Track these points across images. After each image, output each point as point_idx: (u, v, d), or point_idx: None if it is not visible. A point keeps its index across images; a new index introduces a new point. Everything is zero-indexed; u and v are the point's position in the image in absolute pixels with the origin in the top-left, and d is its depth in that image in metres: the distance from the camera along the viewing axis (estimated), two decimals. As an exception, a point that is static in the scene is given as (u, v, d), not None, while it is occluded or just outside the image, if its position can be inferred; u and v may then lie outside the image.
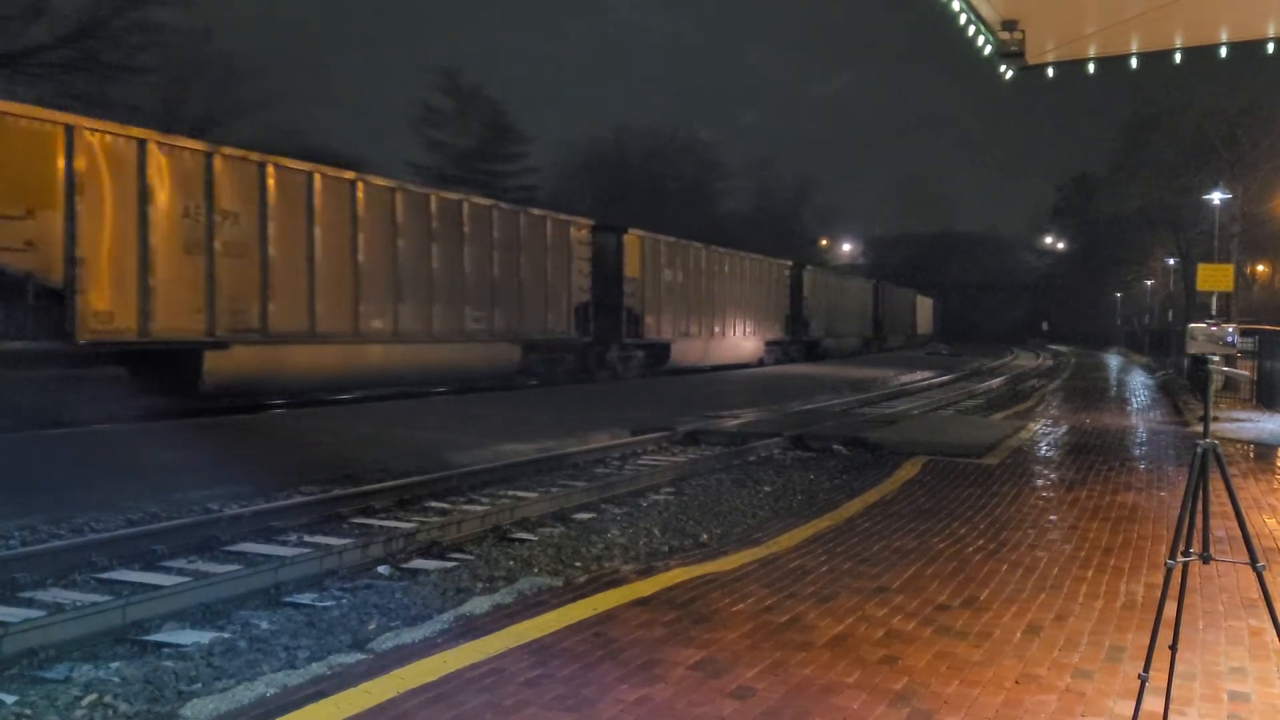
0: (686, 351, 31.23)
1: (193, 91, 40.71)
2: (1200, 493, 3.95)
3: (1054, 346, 75.10)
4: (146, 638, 5.72)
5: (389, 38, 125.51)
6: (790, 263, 41.57)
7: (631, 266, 27.83)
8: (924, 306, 77.55)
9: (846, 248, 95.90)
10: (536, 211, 24.85)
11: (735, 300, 35.35)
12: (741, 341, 35.99)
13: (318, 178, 17.87)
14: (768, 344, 38.49)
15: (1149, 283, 64.68)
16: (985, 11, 7.32)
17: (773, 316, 39.03)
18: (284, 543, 8.07)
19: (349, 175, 18.99)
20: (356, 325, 18.55)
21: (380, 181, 19.69)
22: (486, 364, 22.27)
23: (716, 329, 33.74)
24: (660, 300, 29.51)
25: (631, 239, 28.04)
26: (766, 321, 38.34)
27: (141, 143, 14.82)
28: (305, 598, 6.59)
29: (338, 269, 18.14)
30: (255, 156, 16.91)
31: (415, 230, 20.05)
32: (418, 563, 7.54)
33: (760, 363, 37.18)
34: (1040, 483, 10.40)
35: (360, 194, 18.76)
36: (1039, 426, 16.20)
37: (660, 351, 29.66)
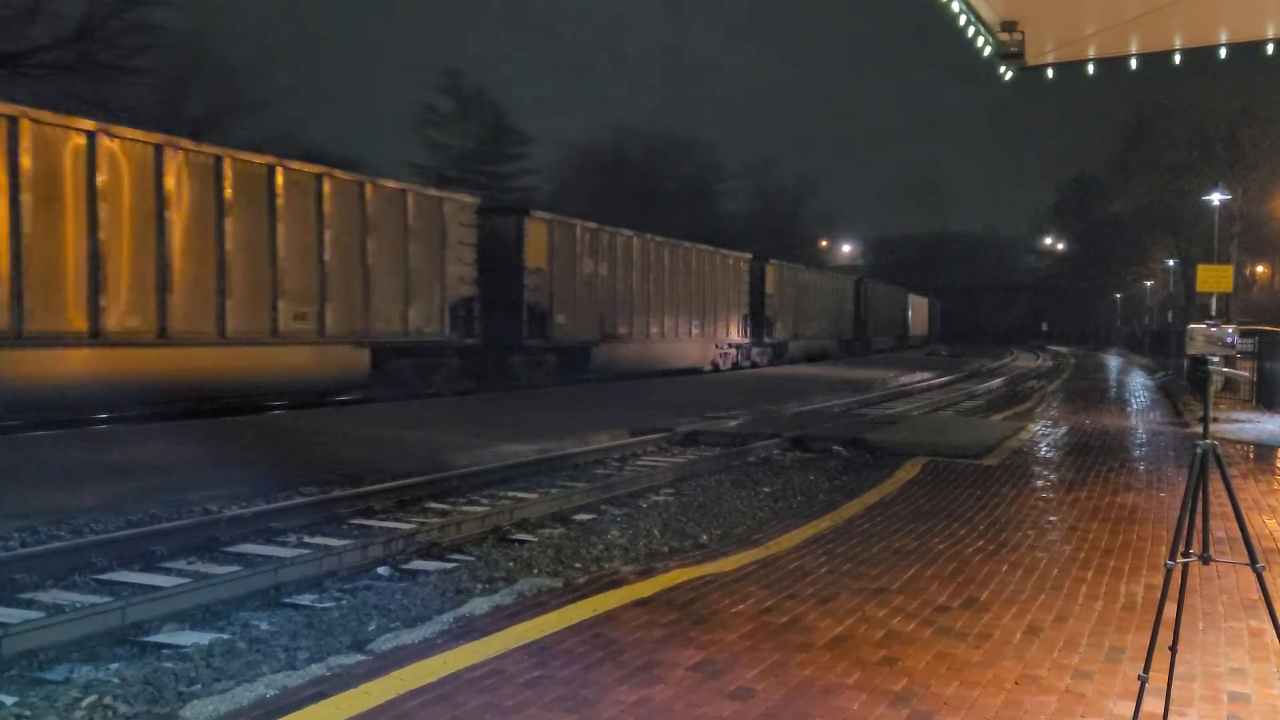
0: (614, 355, 27.29)
1: (190, 92, 40.74)
2: (1200, 493, 3.95)
3: (1054, 347, 75.12)
4: (146, 639, 5.72)
5: (389, 38, 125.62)
6: (749, 256, 37.45)
7: (535, 255, 23.70)
8: (918, 306, 74.66)
9: (846, 248, 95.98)
10: (391, 184, 19.84)
11: (679, 297, 31.13)
12: (686, 344, 31.94)
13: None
14: (721, 346, 34.68)
15: (1149, 283, 64.71)
16: (985, 13, 7.32)
17: (727, 316, 34.91)
18: (284, 544, 8.07)
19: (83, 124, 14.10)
20: (98, 323, 14.17)
21: (132, 134, 14.90)
22: (317, 371, 18.04)
23: (654, 330, 29.57)
24: (576, 296, 25.22)
25: (536, 223, 23.87)
26: (720, 321, 34.31)
27: None
28: (305, 599, 6.59)
29: (52, 250, 13.61)
30: None
31: (197, 201, 15.55)
32: (417, 564, 7.53)
33: (714, 368, 33.79)
34: (1040, 484, 10.40)
35: (102, 149, 14.15)
36: (1039, 427, 16.20)
37: (578, 355, 25.75)
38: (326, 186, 17.70)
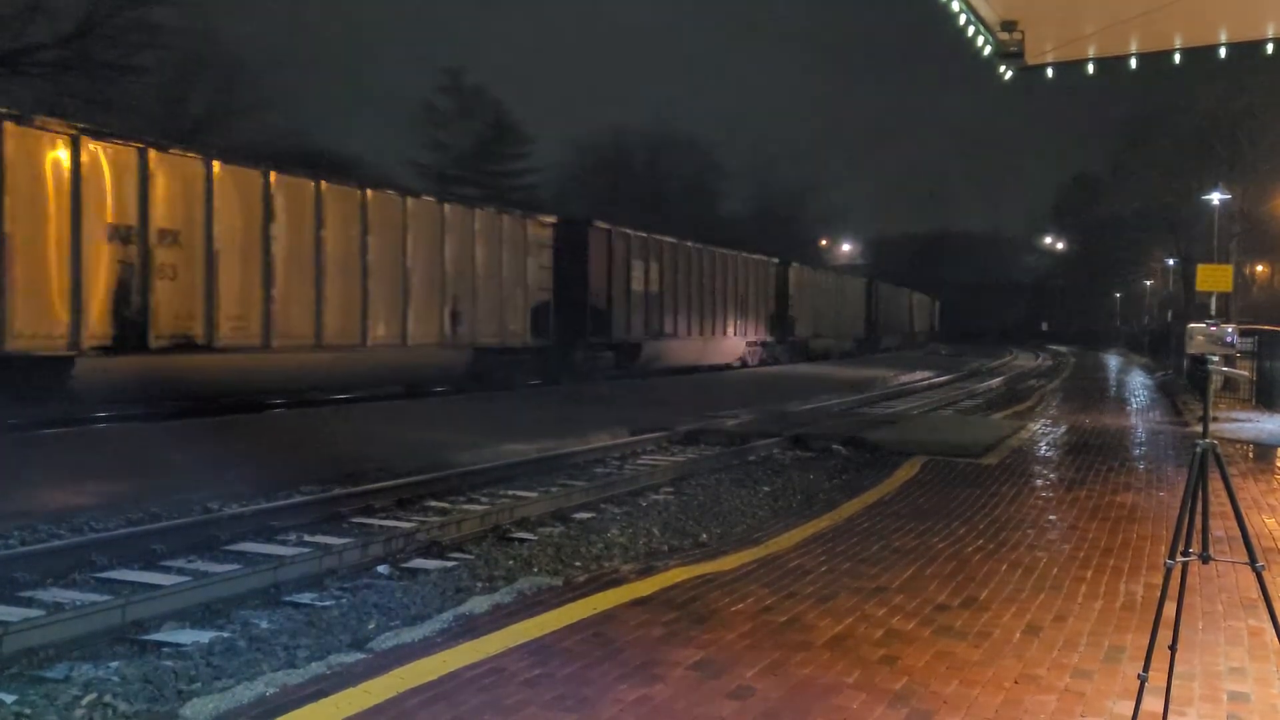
0: (661, 352, 29.57)
1: (192, 91, 40.69)
2: (1199, 493, 3.95)
3: (1053, 346, 75.07)
4: (146, 637, 5.72)
5: (390, 37, 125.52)
6: (775, 260, 39.48)
7: (596, 262, 25.92)
8: (921, 306, 75.23)
9: (846, 248, 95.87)
10: (490, 210, 22.97)
11: (714, 299, 33.20)
12: (721, 342, 34.01)
13: None
14: (750, 345, 36.47)
15: (1148, 283, 64.74)
16: (985, 12, 7.32)
17: (756, 316, 36.79)
18: (284, 542, 8.07)
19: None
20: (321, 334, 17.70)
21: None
22: (433, 367, 21.04)
23: (694, 329, 31.63)
24: (630, 298, 27.47)
25: (596, 232, 26.18)
26: (749, 321, 36.17)
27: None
28: (305, 597, 6.59)
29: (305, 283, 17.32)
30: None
31: (343, 227, 18.36)
32: (417, 562, 7.54)
33: (743, 364, 35.42)
34: (1040, 483, 10.40)
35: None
36: (1038, 426, 16.21)
37: (630, 351, 27.92)
38: (446, 211, 20.99)
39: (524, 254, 23.21)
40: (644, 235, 28.83)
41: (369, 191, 18.94)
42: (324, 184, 17.89)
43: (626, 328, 27.31)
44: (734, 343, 35.11)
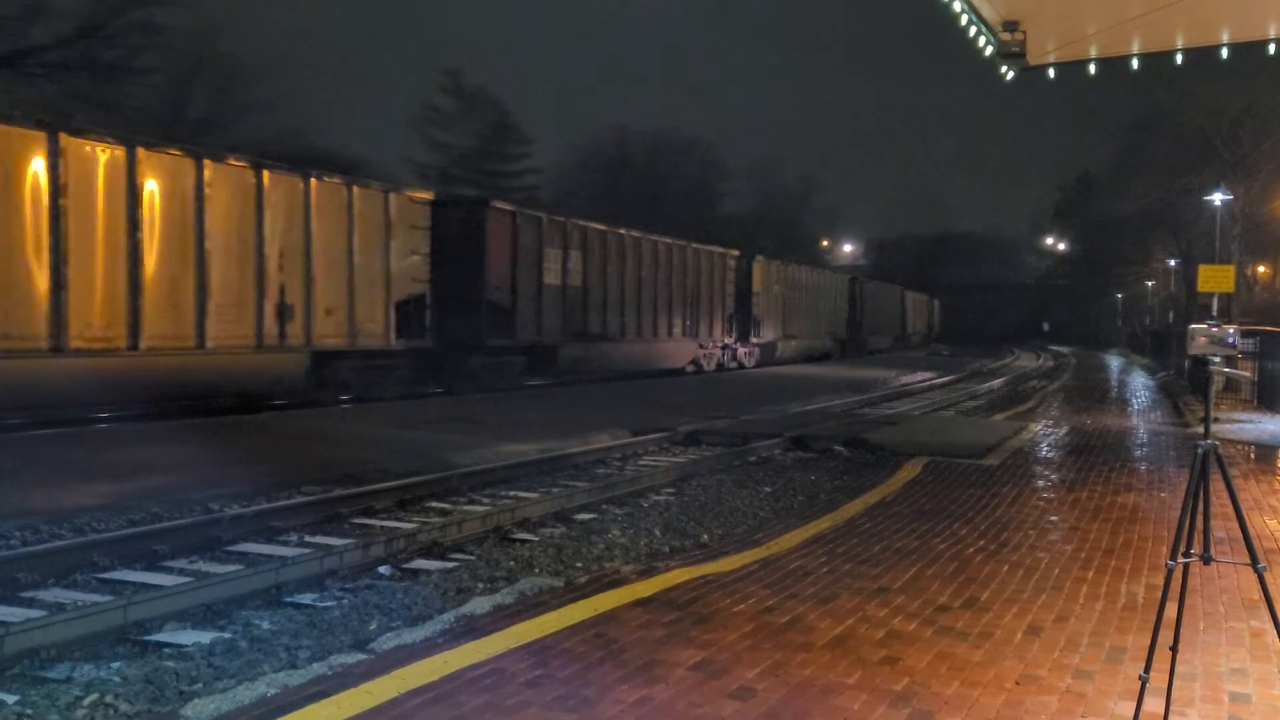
0: (585, 355, 25.54)
1: (195, 92, 40.75)
2: (1201, 494, 3.95)
3: (1055, 347, 75.03)
4: (148, 638, 5.72)
5: (392, 37, 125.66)
6: (735, 252, 35.27)
7: (497, 249, 21.90)
8: (917, 305, 72.40)
9: (848, 248, 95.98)
10: (339, 179, 18.31)
11: (657, 294, 28.92)
12: (665, 344, 29.62)
13: None
14: (706, 346, 32.46)
15: (1150, 283, 64.65)
16: (987, 12, 7.32)
17: (711, 314, 32.59)
18: (285, 543, 8.07)
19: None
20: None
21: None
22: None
23: (629, 328, 27.50)
24: (542, 293, 23.48)
25: (497, 214, 22.18)
26: (703, 320, 31.95)
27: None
28: (306, 598, 6.59)
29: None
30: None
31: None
32: (419, 563, 7.54)
33: (697, 369, 31.59)
34: (1041, 483, 10.40)
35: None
36: (1040, 427, 16.20)
37: (544, 356, 23.93)
38: (266, 180, 16.56)
39: (384, 236, 18.81)
40: (562, 219, 24.91)
41: (141, 150, 14.72)
42: (66, 138, 13.66)
43: (538, 328, 23.25)
44: (684, 345, 31.03)
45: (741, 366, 34.93)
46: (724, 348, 33.91)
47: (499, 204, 23.00)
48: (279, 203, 16.76)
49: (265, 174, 16.53)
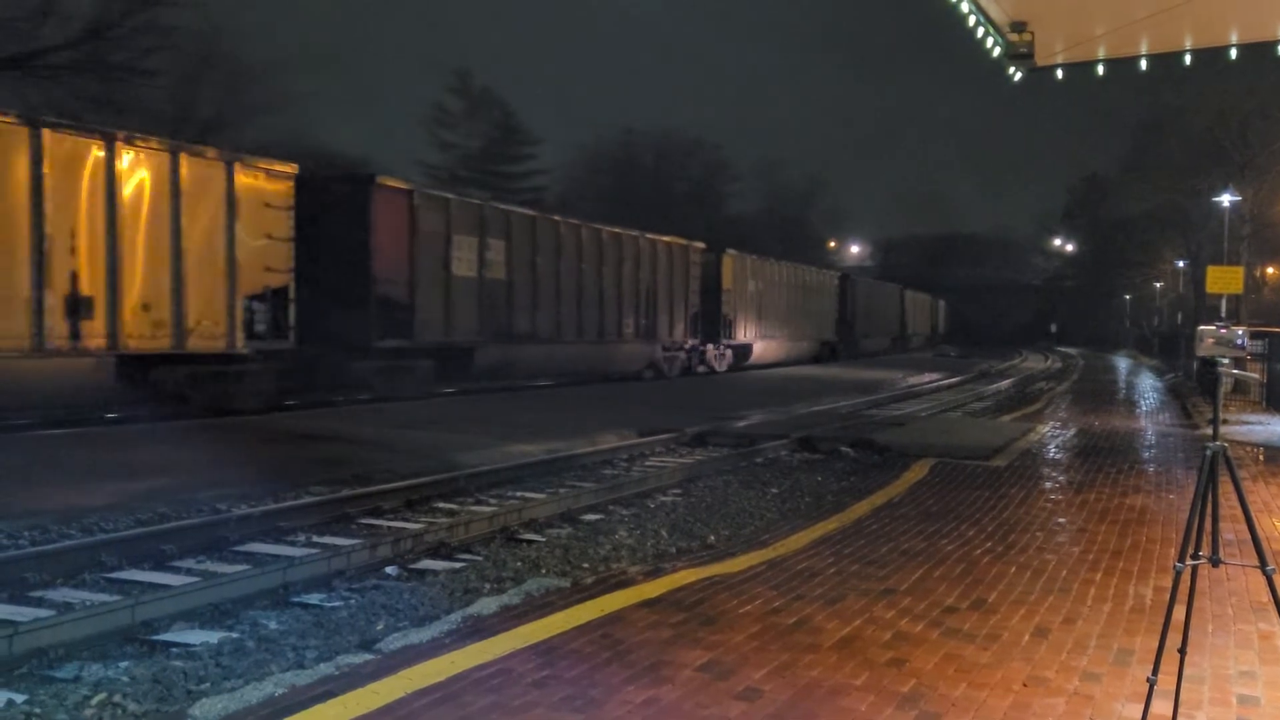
0: (509, 358, 22.48)
1: (203, 93, 40.84)
2: (1209, 496, 3.94)
3: (1062, 348, 74.88)
4: (155, 637, 5.74)
5: (398, 38, 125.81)
6: (701, 245, 32.02)
7: (391, 236, 18.83)
8: (918, 305, 69.01)
9: (855, 249, 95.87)
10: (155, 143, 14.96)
11: (605, 290, 25.96)
12: (615, 346, 26.72)
13: None
14: (669, 348, 29.65)
15: (1158, 285, 64.47)
16: (994, 13, 7.31)
17: (671, 313, 29.52)
18: (292, 543, 8.09)
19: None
20: None
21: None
22: None
23: (568, 328, 24.43)
24: (450, 286, 20.41)
25: (388, 196, 18.92)
26: (662, 319, 28.83)
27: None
28: (313, 598, 6.60)
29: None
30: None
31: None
32: (426, 563, 7.55)
33: (658, 374, 28.88)
34: (1049, 485, 10.37)
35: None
36: (1047, 429, 16.17)
37: (457, 358, 20.88)
38: (46, 140, 13.51)
39: (228, 215, 15.61)
40: (477, 202, 21.80)
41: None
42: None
43: (446, 327, 20.16)
44: (637, 348, 28.00)
45: (712, 371, 32.41)
46: (689, 350, 31.07)
47: (389, 181, 19.29)
48: (70, 169, 13.69)
49: (46, 133, 13.42)
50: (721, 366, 33.02)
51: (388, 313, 18.64)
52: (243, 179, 15.98)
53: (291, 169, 17.06)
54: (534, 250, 23.11)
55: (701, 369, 31.76)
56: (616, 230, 26.98)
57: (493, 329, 21.61)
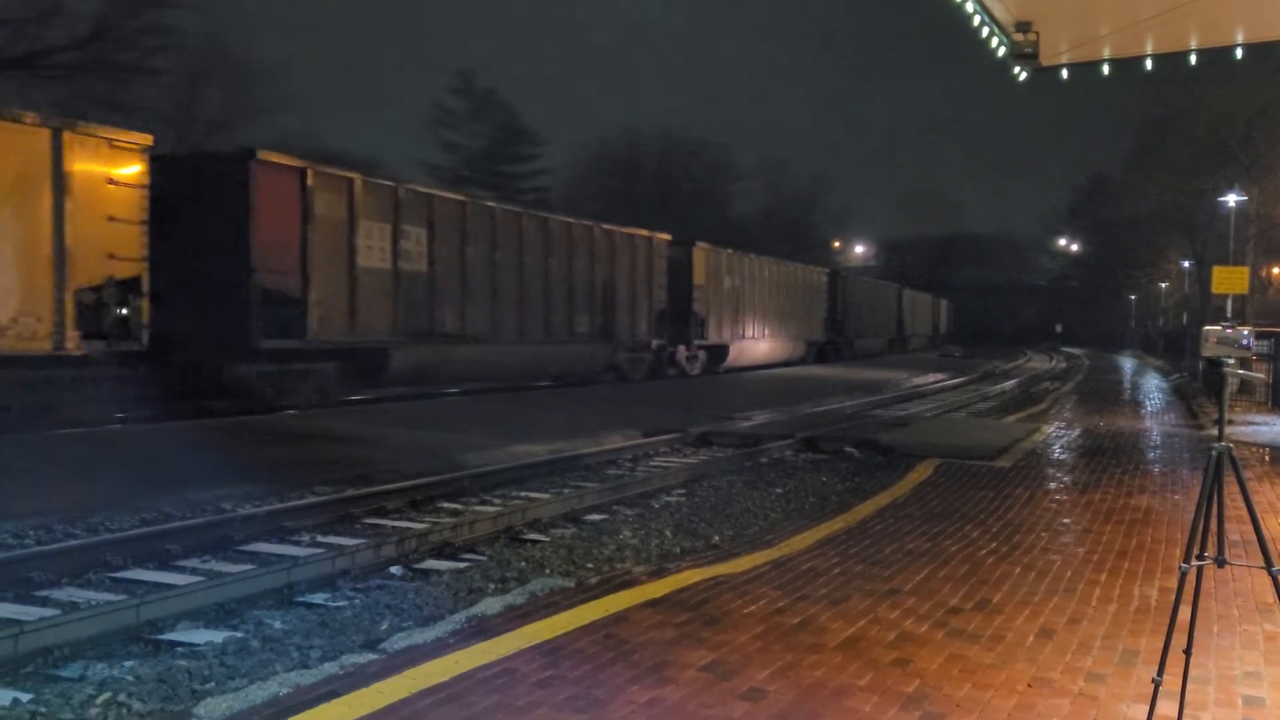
0: (434, 361, 19.83)
1: (207, 93, 40.92)
2: (1215, 496, 3.93)
3: (1067, 349, 74.77)
4: (160, 637, 5.75)
5: (402, 39, 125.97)
6: (667, 237, 29.23)
7: (275, 217, 16.25)
8: (918, 305, 66.99)
9: (859, 249, 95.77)
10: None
11: (552, 285, 23.37)
12: (565, 347, 24.16)
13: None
14: (633, 351, 27.01)
15: (1163, 285, 64.38)
16: (999, 13, 7.30)
17: (635, 312, 26.94)
18: (297, 543, 8.10)
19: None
20: None
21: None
22: None
23: (507, 326, 21.76)
24: (356, 278, 17.73)
25: (272, 172, 16.37)
26: (621, 317, 26.21)
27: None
28: (318, 598, 6.61)
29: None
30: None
31: None
32: (430, 563, 7.56)
33: (620, 376, 26.29)
34: (1053, 485, 10.36)
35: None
36: (1052, 429, 16.14)
37: (367, 362, 18.21)
38: None
39: (54, 191, 13.14)
40: (390, 184, 18.90)
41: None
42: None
43: (351, 325, 17.58)
44: (592, 349, 25.31)
45: (684, 374, 29.74)
46: (656, 351, 28.26)
47: (274, 156, 16.65)
48: None
49: None
50: (694, 369, 30.43)
51: (273, 308, 16.14)
52: (76, 150, 13.39)
53: (143, 139, 14.56)
54: (464, 240, 20.40)
55: (672, 372, 29.24)
56: (566, 219, 24.76)
57: (412, 328, 19.01)
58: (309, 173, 16.92)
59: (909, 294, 64.03)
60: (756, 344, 35.24)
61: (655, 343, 28.13)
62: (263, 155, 16.36)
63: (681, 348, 29.68)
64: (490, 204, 22.19)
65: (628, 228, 27.52)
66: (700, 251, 30.65)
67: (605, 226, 26.16)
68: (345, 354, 17.82)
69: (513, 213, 22.55)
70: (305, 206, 16.77)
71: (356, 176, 18.07)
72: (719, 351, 32.06)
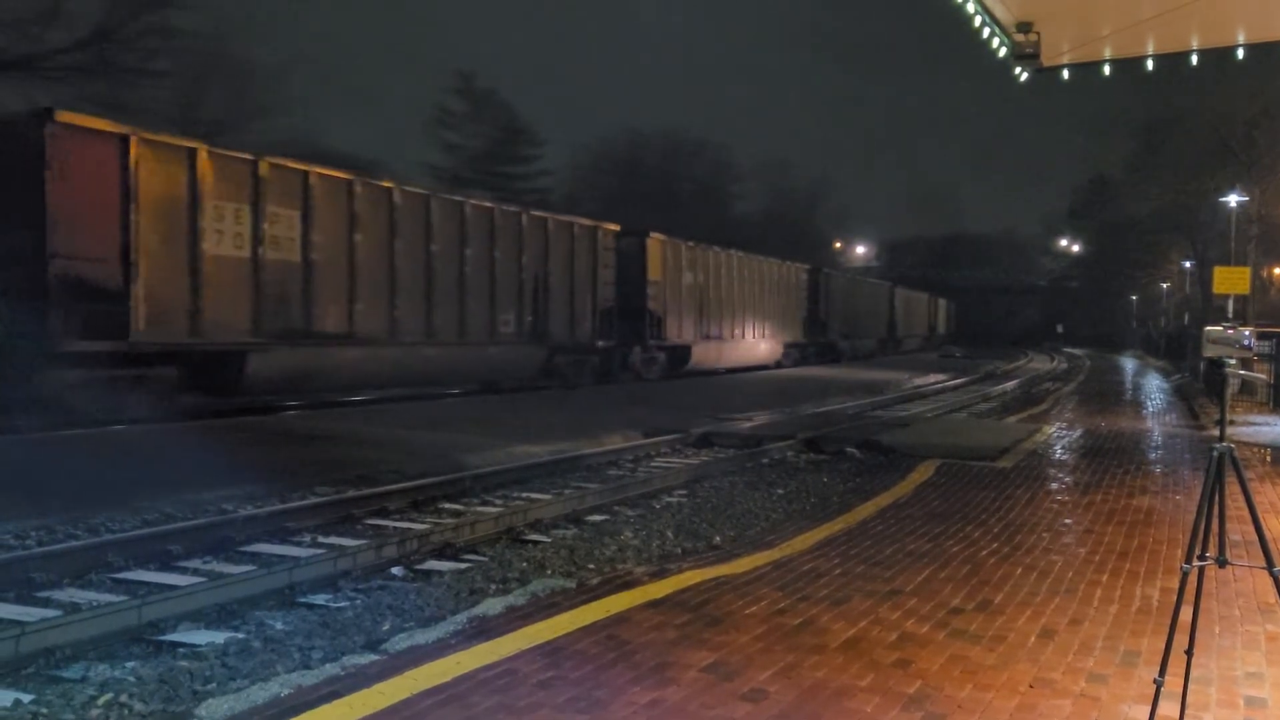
0: (320, 367, 17.43)
1: (208, 95, 40.93)
2: (1216, 496, 3.93)
3: (1069, 349, 74.77)
4: (162, 638, 5.75)
5: (404, 40, 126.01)
6: (615, 227, 26.45)
7: (79, 206, 13.63)
8: (912, 305, 64.93)
9: (861, 250, 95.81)
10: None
11: (470, 280, 20.61)
12: (484, 349, 21.22)
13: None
14: (573, 354, 24.32)
15: (1165, 285, 64.37)
16: (1000, 13, 7.30)
17: (576, 309, 24.23)
18: (298, 544, 8.10)
19: None
20: None
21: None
22: None
23: (408, 323, 19.02)
24: (199, 271, 15.13)
25: (76, 136, 13.73)
26: (555, 316, 23.41)
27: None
28: (319, 598, 6.61)
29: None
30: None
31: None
32: (431, 564, 7.56)
33: (565, 383, 23.63)
34: (1055, 486, 10.35)
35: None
36: (1054, 430, 16.14)
37: (217, 368, 15.65)
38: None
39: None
40: (247, 158, 16.13)
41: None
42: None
43: (193, 323, 15.06)
44: (519, 352, 22.51)
45: (639, 378, 26.91)
46: (601, 353, 25.56)
47: (82, 120, 14.07)
48: None
49: None
50: (651, 374, 27.61)
51: (82, 303, 13.53)
52: None
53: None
54: (353, 225, 17.78)
55: (626, 376, 26.48)
56: (486, 204, 21.67)
57: (279, 327, 16.35)
58: (133, 141, 14.25)
59: (902, 293, 61.64)
60: (725, 345, 32.64)
61: (601, 344, 25.35)
62: (64, 117, 13.63)
63: (637, 349, 27.14)
64: (386, 184, 18.94)
65: (565, 215, 24.93)
66: (655, 243, 27.86)
67: (536, 213, 23.28)
68: (187, 358, 15.16)
69: (416, 195, 19.57)
70: (128, 181, 14.14)
71: (201, 147, 15.36)
72: (680, 353, 29.50)
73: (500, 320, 21.52)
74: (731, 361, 33.23)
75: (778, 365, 37.04)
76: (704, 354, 30.93)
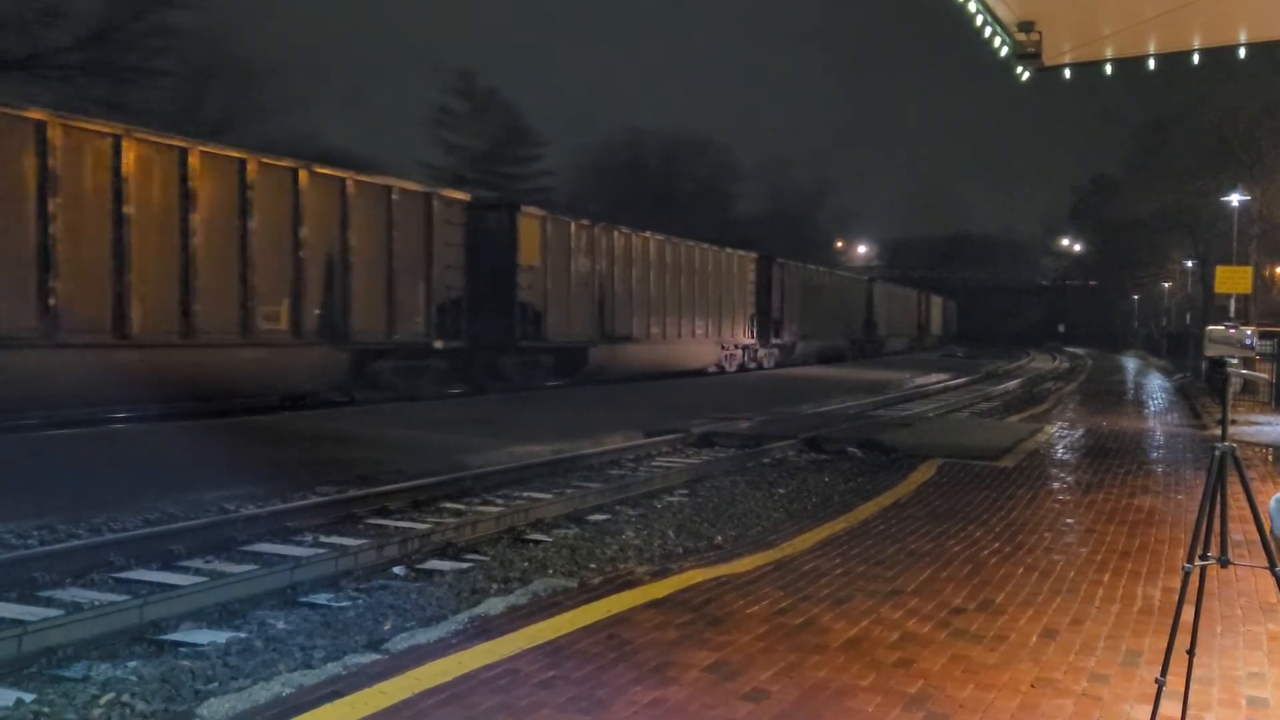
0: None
1: (210, 94, 40.95)
2: (1218, 496, 3.93)
3: (1070, 349, 74.73)
4: (164, 637, 5.75)
5: (404, 40, 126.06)
6: (466, 197, 21.52)
7: None
8: (904, 303, 60.92)
9: (862, 250, 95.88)
10: None
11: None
12: (235, 354, 15.80)
13: None
14: (391, 353, 18.80)
15: (1166, 285, 64.35)
16: (1002, 13, 7.29)
17: (396, 299, 18.74)
18: (300, 543, 8.10)
19: None
20: None
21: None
22: None
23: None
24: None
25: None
26: (355, 307, 17.80)
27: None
28: (321, 598, 6.61)
29: None
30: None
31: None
32: (433, 563, 7.56)
33: (392, 391, 18.74)
34: (1056, 485, 10.35)
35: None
36: (1055, 429, 16.13)
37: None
38: None
39: None
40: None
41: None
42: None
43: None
44: (300, 355, 17.14)
45: (520, 386, 22.35)
46: (443, 355, 20.30)
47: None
48: None
49: None
50: (536, 378, 23.21)
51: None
52: None
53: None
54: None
55: (497, 385, 21.82)
56: (233, 153, 15.83)
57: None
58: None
59: (883, 288, 56.03)
60: (639, 347, 27.23)
61: (441, 344, 19.93)
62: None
63: (506, 357, 22.25)
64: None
65: (377, 176, 19.09)
66: (530, 220, 22.42)
67: (321, 169, 17.25)
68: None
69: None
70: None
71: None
72: (572, 356, 24.45)
73: (262, 312, 16.08)
74: (650, 365, 27.92)
75: (720, 370, 32.63)
76: (607, 356, 25.60)
